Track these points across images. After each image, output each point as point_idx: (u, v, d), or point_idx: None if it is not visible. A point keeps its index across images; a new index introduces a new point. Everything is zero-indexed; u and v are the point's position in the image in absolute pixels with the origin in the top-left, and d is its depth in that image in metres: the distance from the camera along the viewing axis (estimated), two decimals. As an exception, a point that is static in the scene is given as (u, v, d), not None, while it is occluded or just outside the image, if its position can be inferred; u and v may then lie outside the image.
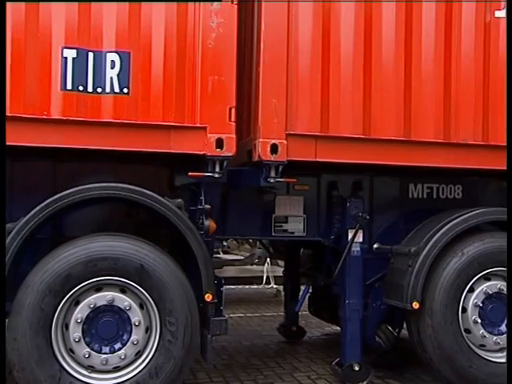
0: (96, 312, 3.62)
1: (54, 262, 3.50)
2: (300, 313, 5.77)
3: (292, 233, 4.50)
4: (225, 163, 3.78)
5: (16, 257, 3.50)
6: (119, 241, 3.65)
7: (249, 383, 4.57)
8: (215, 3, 3.72)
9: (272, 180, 3.89)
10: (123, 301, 3.65)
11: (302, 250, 5.70)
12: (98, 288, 3.63)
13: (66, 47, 3.56)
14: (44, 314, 3.46)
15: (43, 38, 3.53)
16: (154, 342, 3.67)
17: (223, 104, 3.75)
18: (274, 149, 3.83)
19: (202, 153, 3.72)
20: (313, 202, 4.54)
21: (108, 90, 3.62)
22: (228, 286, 9.67)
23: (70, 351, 3.59)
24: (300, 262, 5.77)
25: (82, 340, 3.58)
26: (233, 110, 3.76)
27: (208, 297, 3.72)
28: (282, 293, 6.62)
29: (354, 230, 4.37)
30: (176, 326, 3.64)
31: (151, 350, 3.67)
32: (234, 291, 9.49)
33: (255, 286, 9.84)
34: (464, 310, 4.23)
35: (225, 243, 11.03)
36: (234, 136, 3.76)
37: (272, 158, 3.83)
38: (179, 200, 3.79)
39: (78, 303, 3.60)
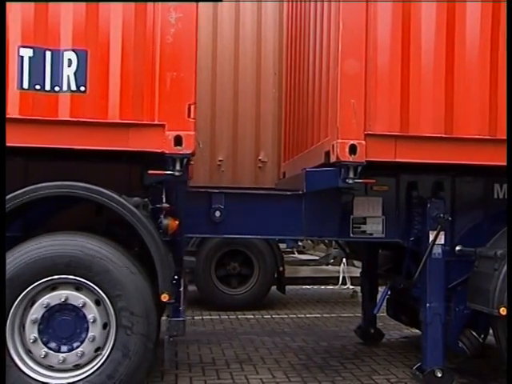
0: (51, 311, 3.61)
1: (7, 263, 3.49)
2: (378, 314, 5.69)
3: (371, 234, 4.44)
4: (185, 161, 3.68)
5: None
6: (72, 239, 3.60)
7: (327, 384, 4.58)
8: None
9: (350, 181, 3.85)
10: (77, 298, 3.64)
11: (380, 250, 5.62)
12: (54, 287, 3.63)
13: (23, 46, 3.55)
14: None
15: None
16: (112, 338, 3.64)
17: (182, 101, 3.66)
18: (353, 149, 3.79)
19: (160, 150, 3.65)
20: (392, 203, 4.46)
21: (65, 88, 3.60)
22: (304, 287, 9.76)
23: (29, 352, 3.59)
24: (378, 263, 5.69)
25: (39, 340, 3.57)
26: (192, 107, 3.66)
27: (164, 297, 3.65)
28: (359, 294, 6.56)
29: (435, 232, 4.26)
30: (131, 324, 3.60)
31: (109, 346, 3.64)
32: (310, 291, 9.50)
33: (331, 287, 9.80)
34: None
35: (300, 243, 11.09)
36: (193, 133, 3.66)
37: (351, 159, 3.80)
38: (136, 198, 3.74)
39: (33, 303, 3.60)
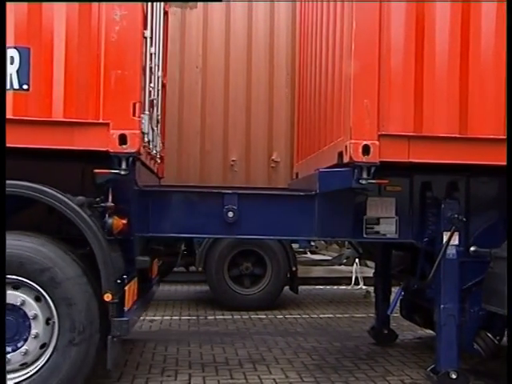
0: None
1: None
2: (391, 315, 5.66)
3: (384, 235, 4.42)
4: (130, 160, 3.65)
5: None
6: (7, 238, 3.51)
7: (340, 385, 4.57)
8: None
9: (364, 182, 3.83)
10: (16, 297, 3.62)
11: (393, 251, 5.59)
12: None
13: None
14: None
15: None
16: (56, 332, 3.63)
17: (127, 99, 3.61)
18: (366, 150, 3.78)
19: (105, 149, 3.61)
20: (405, 203, 4.43)
21: (8, 86, 3.56)
22: (316, 287, 9.75)
23: None
24: (391, 264, 5.67)
25: None
26: (137, 105, 3.62)
27: (107, 297, 3.60)
28: (372, 294, 6.54)
29: (449, 233, 4.23)
30: (72, 321, 3.59)
31: (54, 343, 3.63)
32: (323, 292, 9.49)
33: (344, 287, 9.77)
34: None
35: (313, 243, 11.07)
36: (138, 132, 3.63)
37: (364, 160, 3.78)
38: (80, 197, 3.70)
39: None
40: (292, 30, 6.77)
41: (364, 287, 9.19)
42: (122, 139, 3.58)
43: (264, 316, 7.25)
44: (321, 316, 7.36)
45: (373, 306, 6.20)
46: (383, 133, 3.83)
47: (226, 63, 6.87)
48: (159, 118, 5.13)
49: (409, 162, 3.92)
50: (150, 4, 4.36)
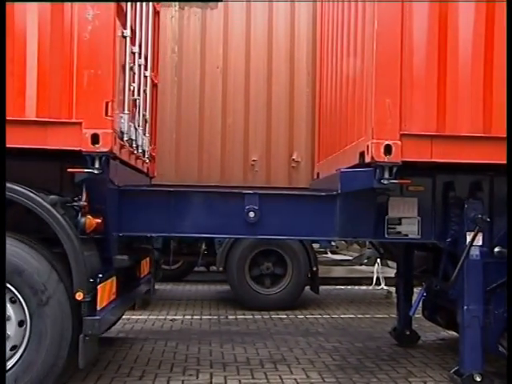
0: None
1: None
2: (413, 316, 5.61)
3: (406, 235, 4.39)
4: (103, 159, 3.64)
5: None
6: None
7: (362, 386, 4.55)
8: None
9: (386, 182, 3.81)
10: None
11: (415, 251, 5.54)
12: None
13: None
14: None
15: None
16: (27, 336, 3.63)
17: (99, 98, 3.61)
18: (388, 150, 3.75)
19: (78, 149, 3.61)
20: (428, 204, 4.39)
21: None
22: (337, 287, 9.71)
23: None
24: (414, 264, 5.62)
25: None
26: (110, 105, 3.61)
27: (79, 295, 3.60)
28: (394, 294, 6.49)
29: (472, 233, 4.17)
30: (44, 321, 3.59)
31: (24, 344, 3.63)
32: (343, 292, 9.45)
33: (365, 287, 9.72)
34: None
35: (333, 243, 11.02)
36: (110, 131, 3.61)
37: (386, 159, 3.75)
38: (53, 196, 3.69)
39: None
40: (313, 29, 6.75)
41: (385, 287, 9.13)
42: (95, 138, 3.59)
43: (285, 316, 7.24)
44: (342, 316, 7.33)
45: (394, 307, 6.15)
46: (405, 132, 3.80)
47: (247, 63, 6.87)
48: (147, 117, 5.13)
49: (431, 162, 3.89)
50: (135, 4, 4.38)
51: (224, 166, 6.82)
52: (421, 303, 5.24)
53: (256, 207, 4.30)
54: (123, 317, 6.95)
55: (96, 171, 3.63)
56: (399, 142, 3.77)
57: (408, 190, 4.32)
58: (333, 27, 5.45)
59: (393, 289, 6.56)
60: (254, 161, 6.84)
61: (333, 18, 5.45)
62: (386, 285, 9.20)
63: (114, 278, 4.08)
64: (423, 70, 3.82)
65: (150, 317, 7.07)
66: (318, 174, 6.12)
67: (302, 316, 7.30)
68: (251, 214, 4.29)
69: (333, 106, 5.36)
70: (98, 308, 3.69)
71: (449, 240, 4.36)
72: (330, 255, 12.64)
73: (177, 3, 6.85)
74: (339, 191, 4.18)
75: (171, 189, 4.50)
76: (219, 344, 5.73)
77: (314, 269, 7.69)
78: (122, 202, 4.28)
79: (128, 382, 4.46)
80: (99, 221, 3.85)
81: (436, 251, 4.74)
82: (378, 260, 9.20)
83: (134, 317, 6.91)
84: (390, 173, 3.80)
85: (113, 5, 3.67)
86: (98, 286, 3.70)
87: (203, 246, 8.03)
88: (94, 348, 3.77)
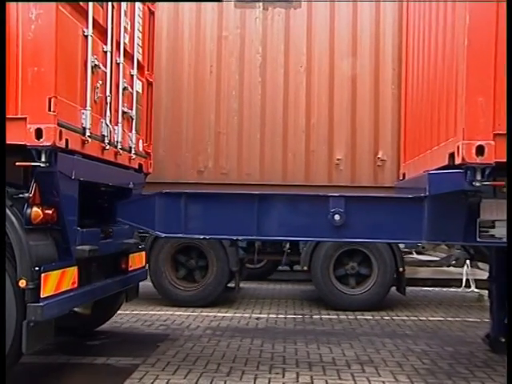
0: None
1: None
2: (508, 322, 5.37)
3: (500, 238, 4.20)
4: (48, 153, 3.76)
5: None
6: None
7: (455, 393, 4.43)
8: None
9: (478, 184, 3.68)
10: None
11: (509, 254, 5.29)
12: None
13: None
14: None
15: None
16: None
17: (42, 95, 3.74)
18: (480, 150, 3.61)
19: (23, 143, 3.72)
20: (524, 206, 4.19)
21: None
22: (424, 288, 9.45)
23: None
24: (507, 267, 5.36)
25: None
26: (53, 100, 3.74)
27: (22, 283, 3.73)
28: (486, 298, 6.23)
29: None
30: None
31: None
32: (431, 293, 9.19)
33: (453, 289, 9.39)
34: None
35: (419, 243, 10.70)
36: (53, 126, 3.73)
37: (478, 160, 3.62)
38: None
39: None
40: (398, 26, 6.60)
41: (476, 290, 8.79)
42: (38, 133, 3.76)
43: (370, 317, 7.16)
44: (430, 319, 7.14)
45: (486, 311, 5.92)
46: (499, 132, 3.64)
47: (331, 62, 6.83)
48: (132, 114, 5.22)
49: (527, 163, 3.70)
50: (107, 4, 4.52)
51: (308, 166, 6.83)
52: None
53: (342, 210, 4.29)
54: (209, 314, 7.17)
55: (42, 164, 3.80)
56: (492, 142, 3.62)
57: (502, 192, 4.13)
58: (420, 23, 5.30)
59: (484, 292, 6.28)
60: (338, 159, 6.79)
61: (420, 15, 5.31)
62: (476, 287, 8.85)
63: (75, 268, 4.18)
64: (519, 67, 3.64)
65: (236, 314, 7.23)
66: (404, 175, 5.99)
67: (388, 317, 7.18)
68: (337, 217, 4.28)
69: (419, 104, 5.23)
70: (43, 296, 3.82)
71: (547, 244, 4.13)
72: (415, 255, 12.29)
73: (261, 3, 6.92)
74: (428, 194, 4.08)
75: (256, 192, 4.58)
76: (305, 343, 5.76)
77: (401, 269, 7.54)
78: (205, 205, 4.37)
79: (216, 378, 4.59)
80: (49, 212, 3.99)
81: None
82: (468, 261, 8.85)
83: (219, 314, 7.10)
84: (482, 174, 3.67)
85: (54, 4, 3.79)
86: (42, 275, 3.82)
87: (287, 246, 8.08)
88: (44, 335, 3.94)
